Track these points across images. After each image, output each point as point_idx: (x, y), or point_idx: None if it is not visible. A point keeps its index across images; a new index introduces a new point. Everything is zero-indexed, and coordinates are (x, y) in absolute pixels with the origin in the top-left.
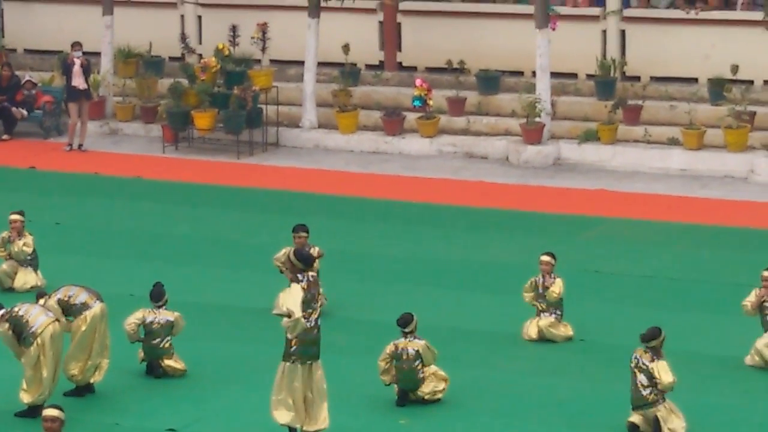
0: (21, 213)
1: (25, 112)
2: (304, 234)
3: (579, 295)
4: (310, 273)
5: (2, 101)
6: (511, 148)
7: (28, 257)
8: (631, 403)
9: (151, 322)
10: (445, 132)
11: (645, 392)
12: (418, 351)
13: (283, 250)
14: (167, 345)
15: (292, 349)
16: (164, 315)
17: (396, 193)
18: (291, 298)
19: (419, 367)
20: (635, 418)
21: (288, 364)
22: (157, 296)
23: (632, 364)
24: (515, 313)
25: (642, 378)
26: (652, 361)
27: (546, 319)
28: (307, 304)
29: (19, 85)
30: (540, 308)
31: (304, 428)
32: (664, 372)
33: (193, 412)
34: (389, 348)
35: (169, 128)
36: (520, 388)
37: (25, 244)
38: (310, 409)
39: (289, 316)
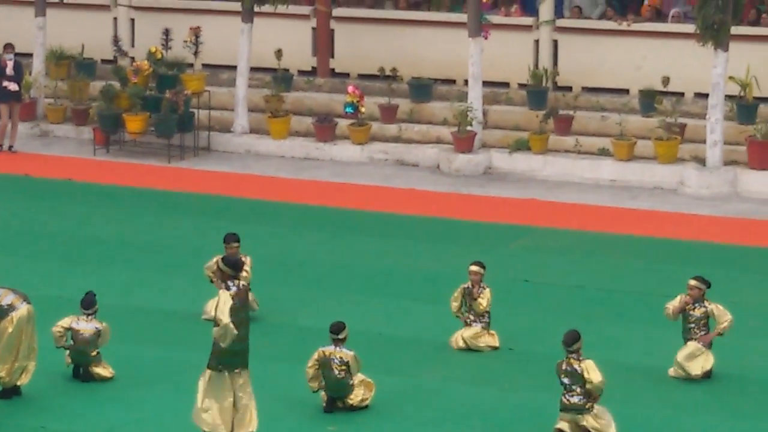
0: None
1: None
2: (236, 244)
3: (508, 305)
4: (241, 281)
5: None
6: (442, 156)
7: None
8: (560, 408)
9: (79, 330)
10: (376, 139)
11: (575, 398)
12: (347, 361)
13: (214, 259)
14: (95, 353)
15: (218, 357)
16: (93, 323)
17: (327, 199)
18: (219, 306)
19: (347, 376)
20: (562, 425)
21: (213, 372)
22: (88, 304)
23: (559, 372)
24: (444, 321)
25: (572, 383)
26: (580, 363)
27: (471, 330)
28: (236, 312)
29: None
30: (467, 318)
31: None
32: (593, 371)
33: (120, 416)
34: (316, 354)
35: (100, 131)
36: (446, 397)
37: None
38: (237, 414)
39: (217, 324)
